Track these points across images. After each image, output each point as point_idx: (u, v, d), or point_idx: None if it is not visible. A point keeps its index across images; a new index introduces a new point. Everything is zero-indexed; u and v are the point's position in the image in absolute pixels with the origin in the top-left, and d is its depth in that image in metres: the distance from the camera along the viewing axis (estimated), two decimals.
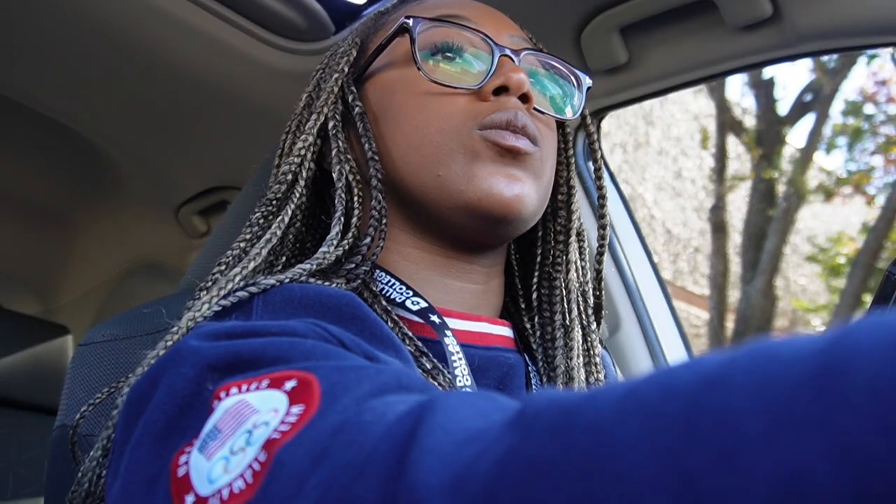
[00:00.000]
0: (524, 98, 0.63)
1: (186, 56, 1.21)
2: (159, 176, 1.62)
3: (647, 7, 1.01)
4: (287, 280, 0.56)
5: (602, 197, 0.74)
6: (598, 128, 1.29)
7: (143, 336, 0.79)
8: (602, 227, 0.73)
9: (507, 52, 0.64)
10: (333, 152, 0.65)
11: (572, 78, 0.70)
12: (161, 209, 1.70)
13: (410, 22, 0.63)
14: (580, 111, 0.70)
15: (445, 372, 0.56)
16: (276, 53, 1.20)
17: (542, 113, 0.66)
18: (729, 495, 0.24)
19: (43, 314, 2.02)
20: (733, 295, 5.82)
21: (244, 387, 0.42)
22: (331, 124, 0.66)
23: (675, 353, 1.25)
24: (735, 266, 5.84)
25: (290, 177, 0.64)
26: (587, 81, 0.70)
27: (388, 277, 0.64)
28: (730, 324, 5.85)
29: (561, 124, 0.72)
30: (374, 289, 0.62)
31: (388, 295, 0.62)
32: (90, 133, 1.50)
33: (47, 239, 1.91)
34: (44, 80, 1.32)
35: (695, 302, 7.68)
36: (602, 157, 0.76)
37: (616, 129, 7.65)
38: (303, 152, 0.65)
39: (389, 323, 0.59)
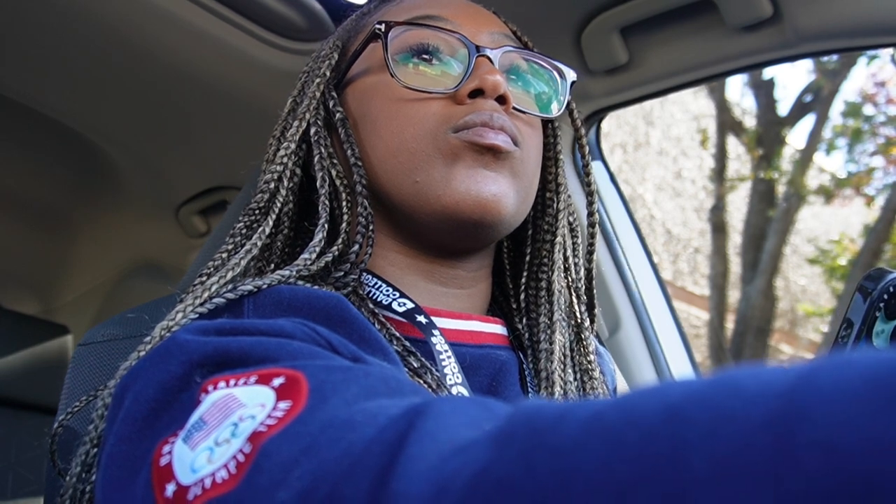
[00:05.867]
0: (501, 100, 0.62)
1: (186, 56, 1.21)
2: (159, 176, 1.62)
3: (647, 7, 1.01)
4: (265, 285, 0.55)
5: (590, 195, 0.73)
6: (599, 128, 1.29)
7: (143, 336, 0.79)
8: (591, 224, 0.73)
9: (486, 51, 0.63)
10: (316, 159, 0.64)
11: (556, 73, 0.68)
12: (161, 209, 1.70)
13: (383, 27, 0.63)
14: (564, 106, 0.69)
15: (434, 371, 0.56)
16: (277, 53, 1.20)
17: (524, 112, 0.65)
18: None
19: (43, 314, 2.02)
20: (733, 295, 5.81)
21: (232, 381, 0.42)
22: (313, 130, 0.65)
23: (675, 353, 1.25)
24: (735, 266, 5.84)
25: (272, 185, 0.63)
26: (571, 76, 0.69)
27: (375, 280, 0.63)
28: (730, 324, 5.85)
29: (548, 121, 0.71)
30: (361, 292, 0.61)
31: (374, 297, 0.62)
32: (90, 133, 1.50)
33: (47, 239, 1.91)
34: (44, 80, 1.32)
35: (695, 302, 7.68)
36: (589, 153, 0.75)
37: (616, 129, 7.64)
38: (285, 160, 0.64)
39: (376, 325, 0.58)
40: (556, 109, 0.68)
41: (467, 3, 0.69)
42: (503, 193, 0.60)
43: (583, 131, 0.73)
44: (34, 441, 1.62)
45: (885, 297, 0.53)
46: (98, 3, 1.11)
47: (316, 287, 0.58)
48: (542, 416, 0.30)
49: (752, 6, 0.94)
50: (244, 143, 1.41)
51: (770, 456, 0.23)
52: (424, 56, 0.63)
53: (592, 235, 0.73)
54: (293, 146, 0.64)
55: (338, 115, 0.65)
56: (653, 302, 1.27)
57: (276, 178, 0.63)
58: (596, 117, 1.23)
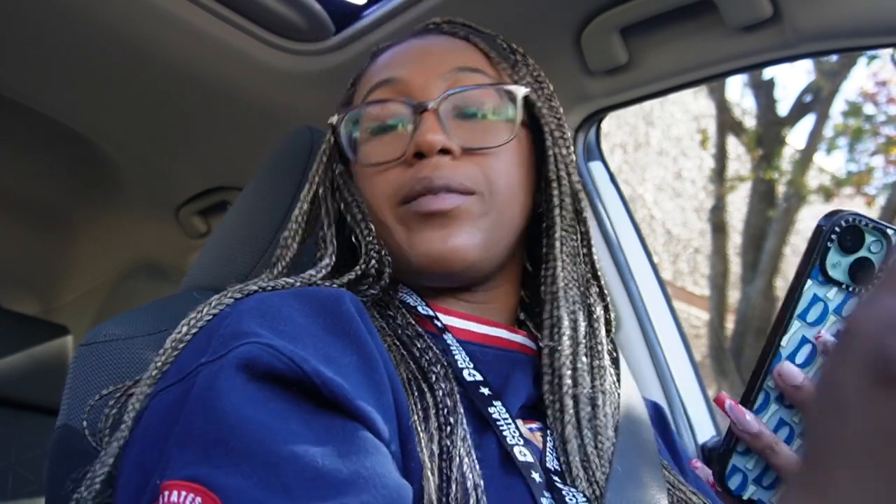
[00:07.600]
0: (445, 152, 0.65)
1: (186, 56, 1.21)
2: (159, 176, 1.62)
3: (647, 7, 1.01)
4: (269, 289, 0.62)
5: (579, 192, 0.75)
6: (599, 128, 1.29)
7: (145, 336, 0.79)
8: (581, 222, 0.74)
9: (428, 104, 0.66)
10: (322, 212, 0.73)
11: (506, 96, 0.70)
12: (161, 209, 1.70)
13: (334, 120, 0.72)
14: (520, 122, 0.70)
15: (434, 348, 0.61)
16: (276, 53, 1.20)
17: (479, 149, 0.67)
18: None
19: (43, 314, 2.02)
20: (733, 295, 5.81)
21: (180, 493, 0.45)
22: (320, 191, 0.73)
23: (675, 353, 1.25)
24: (735, 266, 5.84)
25: (288, 241, 0.72)
26: (521, 91, 0.70)
27: (409, 290, 0.69)
28: (730, 324, 5.85)
29: (539, 124, 0.72)
30: (391, 293, 0.68)
31: (403, 300, 0.68)
32: (90, 133, 1.50)
33: (47, 239, 1.91)
34: (44, 80, 1.32)
35: (695, 302, 7.68)
36: (576, 149, 0.77)
37: (616, 129, 7.64)
38: (299, 219, 0.72)
39: (398, 317, 0.65)
40: (511, 131, 0.69)
41: (423, 49, 0.73)
42: (463, 243, 0.65)
43: (566, 127, 0.75)
44: (34, 441, 1.62)
45: (837, 229, 0.55)
46: (98, 3, 1.11)
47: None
48: None
49: (752, 6, 0.94)
50: (244, 143, 1.41)
51: None
52: (383, 128, 0.69)
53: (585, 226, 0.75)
54: (306, 206, 0.73)
55: (339, 180, 0.73)
56: (653, 302, 1.27)
57: (291, 235, 0.72)
58: (596, 117, 1.23)
